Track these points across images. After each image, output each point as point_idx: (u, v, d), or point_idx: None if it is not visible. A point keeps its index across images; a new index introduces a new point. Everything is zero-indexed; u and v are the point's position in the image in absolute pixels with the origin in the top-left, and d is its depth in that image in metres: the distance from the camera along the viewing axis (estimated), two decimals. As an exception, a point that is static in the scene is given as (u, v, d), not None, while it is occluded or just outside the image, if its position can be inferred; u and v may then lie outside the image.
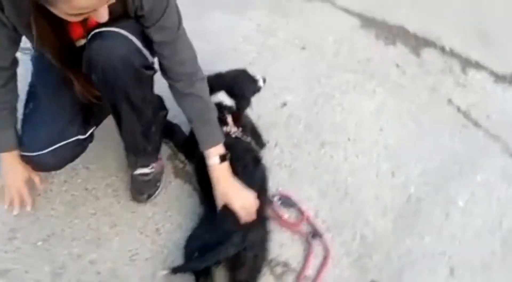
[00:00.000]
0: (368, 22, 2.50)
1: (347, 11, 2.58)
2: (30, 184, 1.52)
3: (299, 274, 1.43)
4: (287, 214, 1.60)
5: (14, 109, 1.43)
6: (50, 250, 1.46)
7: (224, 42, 2.32)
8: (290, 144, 1.83)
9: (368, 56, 2.29)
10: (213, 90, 1.66)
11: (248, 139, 1.65)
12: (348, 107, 2.01)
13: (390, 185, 1.71)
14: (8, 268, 1.40)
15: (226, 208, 1.41)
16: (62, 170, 1.64)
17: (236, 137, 1.61)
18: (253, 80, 1.74)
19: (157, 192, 1.61)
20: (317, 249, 1.50)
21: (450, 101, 2.07)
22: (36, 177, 1.53)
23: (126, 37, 1.18)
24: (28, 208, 1.54)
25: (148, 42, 1.26)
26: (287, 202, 1.62)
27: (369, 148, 1.84)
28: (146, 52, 1.24)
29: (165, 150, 1.77)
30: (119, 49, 1.17)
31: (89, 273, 1.41)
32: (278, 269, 1.45)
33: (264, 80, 1.78)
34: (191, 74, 1.35)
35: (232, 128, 1.61)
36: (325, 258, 1.48)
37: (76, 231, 1.51)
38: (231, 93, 1.67)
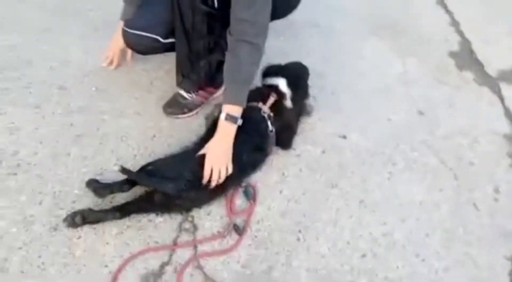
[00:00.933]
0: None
1: (508, 115, 2.19)
2: (124, 53, 1.99)
3: (192, 242, 1.49)
4: (239, 202, 1.64)
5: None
6: (98, 96, 1.92)
7: (362, 66, 2.34)
8: (308, 166, 1.80)
9: (478, 162, 1.94)
10: (269, 75, 1.78)
11: (272, 127, 1.70)
12: (395, 183, 1.81)
13: (341, 258, 1.53)
14: (64, 85, 1.92)
15: (201, 157, 1.56)
16: (151, 62, 2.07)
17: (263, 117, 1.68)
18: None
19: (180, 117, 1.87)
20: (227, 241, 1.52)
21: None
22: (129, 52, 1.98)
23: None
24: (111, 68, 2.02)
25: None
26: (249, 193, 1.64)
27: (363, 223, 1.65)
28: None
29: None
30: None
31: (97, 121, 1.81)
32: (186, 224, 1.54)
33: None
34: (243, 33, 1.48)
35: (265, 108, 1.69)
36: (223, 251, 1.49)
37: (116, 95, 1.93)
38: (291, 84, 1.74)
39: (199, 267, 1.43)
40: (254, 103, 1.69)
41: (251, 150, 1.65)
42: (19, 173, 1.58)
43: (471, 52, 2.56)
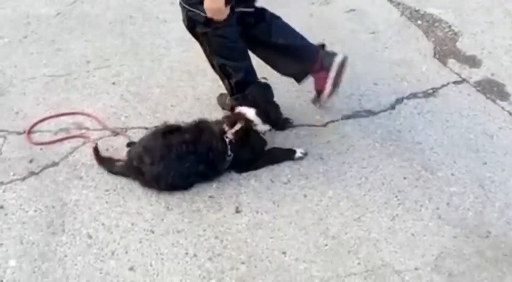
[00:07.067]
0: None
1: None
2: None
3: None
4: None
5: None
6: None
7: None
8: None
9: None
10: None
11: (230, 153, 1.74)
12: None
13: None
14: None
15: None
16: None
17: (223, 141, 1.73)
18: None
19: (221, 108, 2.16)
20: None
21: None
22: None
23: None
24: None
25: None
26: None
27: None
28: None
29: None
30: None
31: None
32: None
33: None
34: None
35: (229, 133, 1.75)
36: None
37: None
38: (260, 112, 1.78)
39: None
40: (222, 126, 1.77)
41: (200, 163, 1.72)
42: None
43: None
